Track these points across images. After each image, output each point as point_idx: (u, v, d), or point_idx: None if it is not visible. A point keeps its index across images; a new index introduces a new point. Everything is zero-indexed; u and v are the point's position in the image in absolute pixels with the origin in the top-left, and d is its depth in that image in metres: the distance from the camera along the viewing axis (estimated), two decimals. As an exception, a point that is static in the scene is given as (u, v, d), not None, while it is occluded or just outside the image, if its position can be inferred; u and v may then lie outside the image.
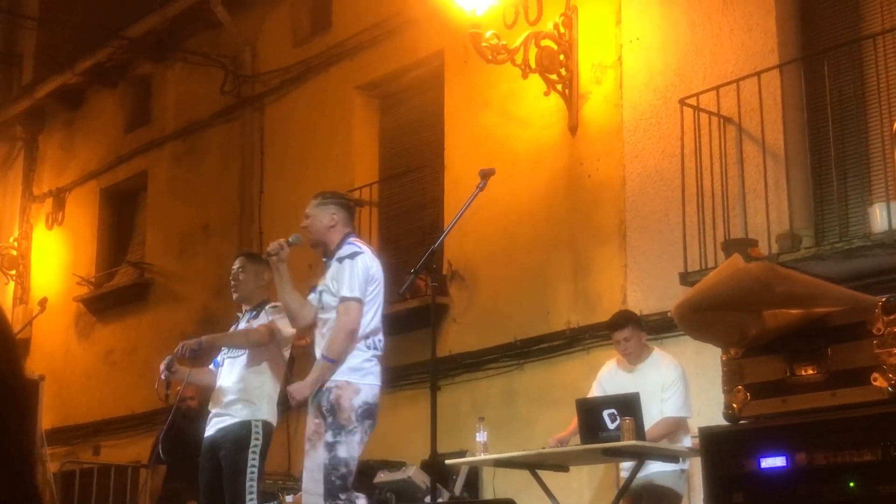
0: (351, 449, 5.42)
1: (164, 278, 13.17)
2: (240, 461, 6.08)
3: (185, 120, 13.23)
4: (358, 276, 5.53)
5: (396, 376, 10.06)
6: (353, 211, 5.99)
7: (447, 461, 7.31)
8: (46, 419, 9.96)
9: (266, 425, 6.21)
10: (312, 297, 5.73)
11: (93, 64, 14.09)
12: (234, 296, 6.64)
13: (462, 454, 7.88)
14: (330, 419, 5.42)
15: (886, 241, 6.81)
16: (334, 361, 5.46)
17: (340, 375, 5.47)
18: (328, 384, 5.44)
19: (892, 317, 3.85)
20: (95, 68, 14.16)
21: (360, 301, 5.51)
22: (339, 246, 5.69)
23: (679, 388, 6.79)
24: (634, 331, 6.95)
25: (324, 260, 5.81)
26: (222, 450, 6.20)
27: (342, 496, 5.36)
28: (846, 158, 7.67)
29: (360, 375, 5.50)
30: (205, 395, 6.85)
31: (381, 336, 5.67)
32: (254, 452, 6.10)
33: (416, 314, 9.48)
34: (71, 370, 14.02)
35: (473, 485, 8.74)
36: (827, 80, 7.56)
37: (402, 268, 10.19)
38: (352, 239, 5.76)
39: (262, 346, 6.25)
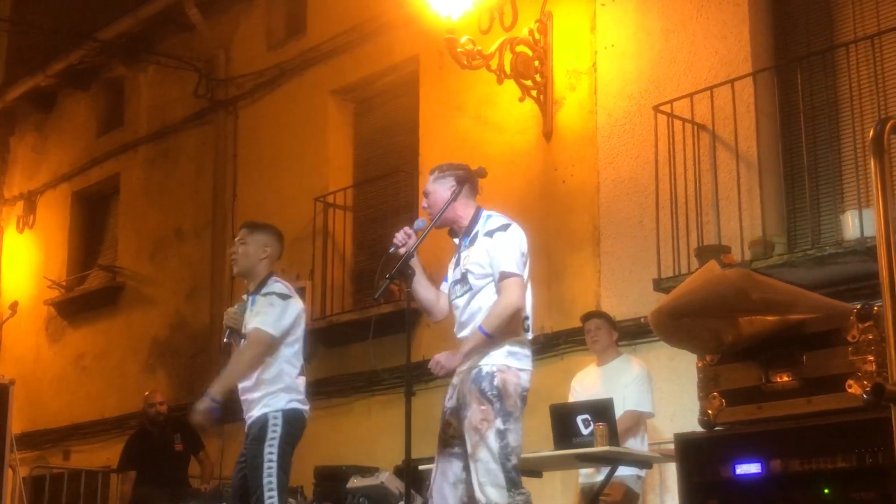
0: (518, 437, 5.01)
1: (137, 282, 13.10)
2: (256, 455, 5.94)
3: (158, 123, 13.16)
4: (514, 249, 5.09)
5: (370, 382, 10.05)
6: (475, 182, 5.35)
7: (421, 467, 7.29)
8: (16, 424, 9.87)
9: (287, 413, 6.04)
10: (445, 286, 5.27)
11: (65, 66, 14.00)
12: (234, 270, 6.23)
13: (436, 460, 7.86)
14: (497, 405, 4.97)
15: (858, 248, 6.85)
16: (491, 337, 4.97)
17: (499, 359, 5.04)
18: (488, 368, 5.00)
19: (866, 324, 3.88)
20: (68, 71, 14.06)
21: (521, 277, 5.08)
22: (475, 220, 5.20)
23: (640, 384, 7.03)
24: (605, 323, 7.27)
25: (455, 241, 5.28)
26: (246, 448, 6.06)
27: (521, 488, 4.95)
28: (819, 166, 7.72)
29: (517, 359, 5.10)
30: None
31: (529, 317, 5.24)
32: (270, 445, 5.95)
33: (390, 319, 9.45)
34: (41, 374, 13.92)
35: (447, 490, 8.72)
36: (800, 88, 7.60)
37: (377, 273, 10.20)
38: (489, 212, 5.24)
39: (263, 357, 5.96)
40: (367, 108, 11.19)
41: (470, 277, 5.12)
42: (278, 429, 5.91)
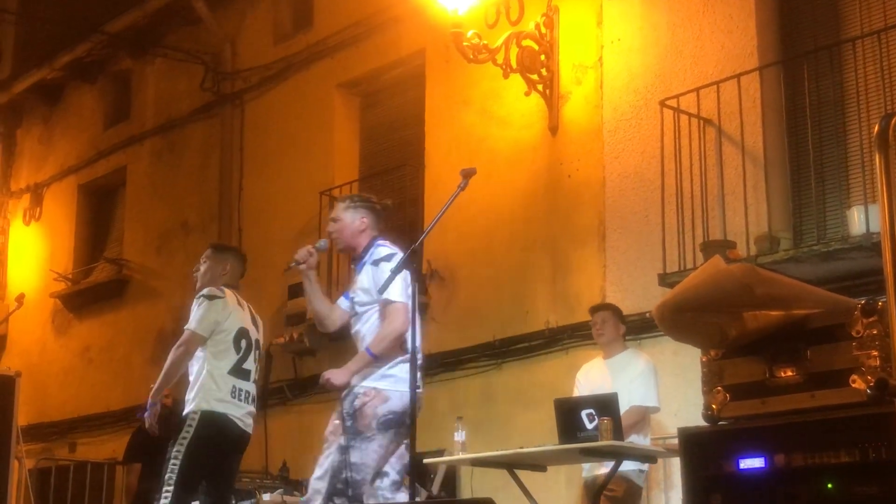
0: (365, 456, 5.32)
1: (143, 275, 13.12)
2: (170, 453, 6.12)
3: (165, 116, 13.18)
4: (398, 278, 5.39)
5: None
6: (381, 214, 5.82)
7: (425, 460, 7.31)
8: (22, 416, 9.87)
9: (204, 415, 6.16)
10: (343, 301, 5.69)
11: (72, 59, 14.01)
12: (196, 286, 6.56)
13: (440, 453, 7.88)
14: (349, 423, 5.37)
15: (864, 243, 6.85)
16: (376, 357, 5.38)
17: (371, 382, 5.40)
18: (359, 388, 5.39)
19: (870, 319, 3.88)
20: (74, 63, 14.08)
21: (405, 305, 5.40)
22: (367, 249, 5.63)
23: (646, 378, 7.03)
24: (613, 316, 7.26)
25: (352, 266, 5.74)
26: None
27: (338, 501, 5.28)
28: (825, 161, 7.71)
29: (390, 382, 5.39)
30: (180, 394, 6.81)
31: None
32: (180, 444, 6.10)
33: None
34: (47, 367, 13.94)
35: (451, 484, 8.75)
36: (806, 83, 7.60)
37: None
38: (380, 241, 5.67)
39: (187, 354, 6.27)
40: (374, 102, 11.19)
41: (356, 305, 5.58)
42: (191, 430, 6.12)
